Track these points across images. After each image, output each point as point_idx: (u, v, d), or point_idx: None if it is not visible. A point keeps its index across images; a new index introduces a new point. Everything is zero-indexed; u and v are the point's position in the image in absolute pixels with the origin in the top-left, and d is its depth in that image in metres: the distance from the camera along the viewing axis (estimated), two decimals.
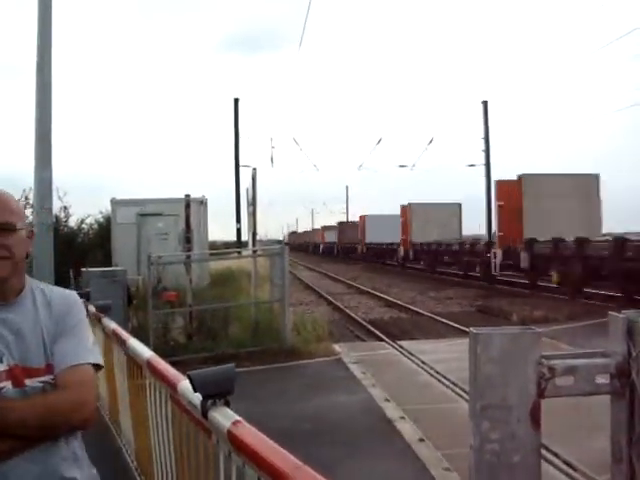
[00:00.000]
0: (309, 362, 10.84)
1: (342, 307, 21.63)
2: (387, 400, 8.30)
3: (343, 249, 62.63)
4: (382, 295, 24.87)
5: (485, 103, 41.76)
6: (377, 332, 15.51)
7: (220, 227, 56.93)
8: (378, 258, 50.02)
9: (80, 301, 2.31)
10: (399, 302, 22.31)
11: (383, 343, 13.71)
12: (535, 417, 1.30)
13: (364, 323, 17.61)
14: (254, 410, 7.17)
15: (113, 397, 6.18)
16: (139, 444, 4.84)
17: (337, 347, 12.26)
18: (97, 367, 2.21)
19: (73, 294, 2.32)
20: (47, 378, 2.08)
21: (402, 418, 7.52)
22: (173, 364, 3.42)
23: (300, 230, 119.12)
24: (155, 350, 8.73)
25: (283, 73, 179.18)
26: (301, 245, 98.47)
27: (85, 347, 2.18)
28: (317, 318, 15.38)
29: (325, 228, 78.54)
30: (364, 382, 9.37)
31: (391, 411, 7.84)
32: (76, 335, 2.17)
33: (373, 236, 49.87)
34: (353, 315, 19.48)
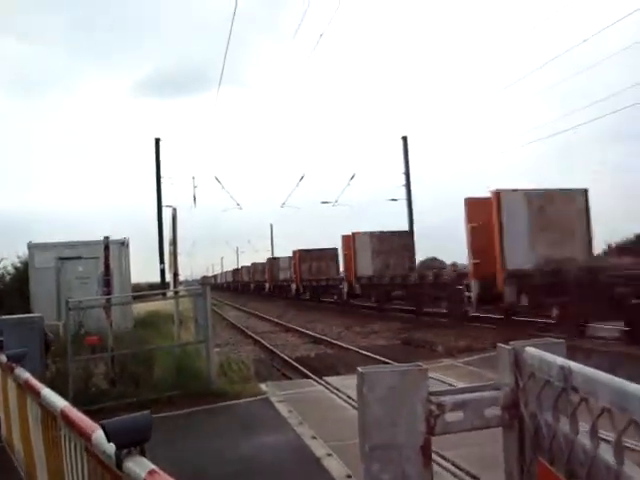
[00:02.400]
0: (235, 403, 10.71)
1: (268, 345, 21.51)
2: (314, 438, 8.26)
3: (276, 287, 59.08)
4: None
5: (405, 139, 42.75)
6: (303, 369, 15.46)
7: (145, 268, 55.88)
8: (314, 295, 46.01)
9: None
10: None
11: (310, 380, 13.67)
12: (426, 454, 1.32)
13: (290, 360, 17.53)
14: (177, 456, 7.06)
15: (28, 453, 5.95)
16: None
17: (264, 386, 12.17)
18: None
19: None
20: None
21: (329, 455, 7.49)
22: (95, 412, 3.33)
23: (227, 269, 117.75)
24: (75, 398, 8.53)
25: (203, 114, 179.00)
26: (228, 284, 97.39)
27: None
28: (243, 358, 15.27)
29: (255, 265, 74.46)
30: (290, 420, 9.31)
31: (318, 448, 7.80)
32: None
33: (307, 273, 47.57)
34: (279, 353, 19.38)
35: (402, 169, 42.05)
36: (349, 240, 36.59)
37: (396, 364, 1.46)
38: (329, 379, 13.20)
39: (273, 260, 63.69)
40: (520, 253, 19.32)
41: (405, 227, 40.12)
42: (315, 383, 13.08)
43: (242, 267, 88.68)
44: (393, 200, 42.67)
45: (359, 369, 1.35)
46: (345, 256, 37.73)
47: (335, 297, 40.14)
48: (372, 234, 36.89)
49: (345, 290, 36.72)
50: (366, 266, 34.86)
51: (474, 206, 21.36)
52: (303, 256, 48.87)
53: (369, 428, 1.31)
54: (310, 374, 14.49)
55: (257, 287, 70.60)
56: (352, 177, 42.17)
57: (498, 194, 19.93)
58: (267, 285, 63.05)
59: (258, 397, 11.14)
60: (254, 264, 75.40)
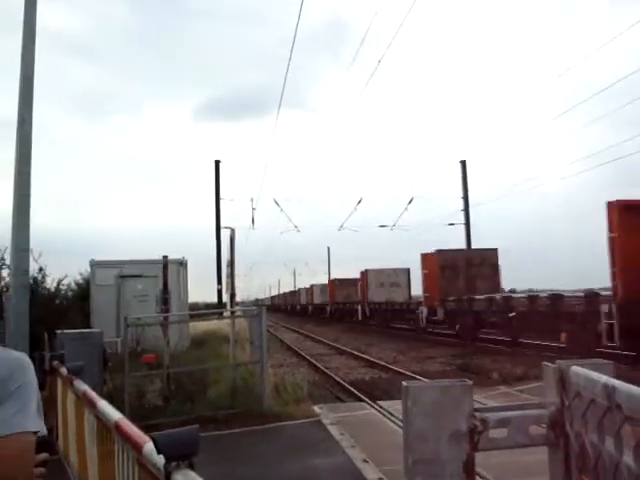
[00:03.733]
0: (288, 424, 10.70)
1: (323, 368, 21.49)
2: (365, 461, 8.19)
3: (337, 310, 55.61)
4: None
5: (463, 163, 42.47)
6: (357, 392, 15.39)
7: (203, 288, 56.46)
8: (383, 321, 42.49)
9: (27, 363, 2.16)
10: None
11: (363, 403, 13.58)
12: (469, 471, 1.31)
13: (344, 384, 17.47)
14: (228, 473, 7.09)
15: (83, 464, 6.06)
16: None
17: (316, 408, 12.14)
18: (38, 435, 2.05)
19: (19, 356, 2.18)
20: None
21: (380, 479, 7.42)
22: (149, 428, 3.37)
23: (283, 290, 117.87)
24: (131, 413, 8.66)
25: (263, 137, 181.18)
26: (285, 306, 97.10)
27: (25, 414, 2.05)
28: (297, 380, 15.29)
29: (314, 287, 70.77)
30: (342, 443, 9.25)
31: (369, 472, 7.74)
32: (16, 400, 2.04)
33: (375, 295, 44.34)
34: (333, 376, 19.34)
35: (461, 193, 41.77)
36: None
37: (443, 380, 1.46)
38: (382, 403, 13.11)
39: (336, 281, 59.35)
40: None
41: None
42: (368, 406, 12.99)
43: (300, 289, 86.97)
44: (451, 225, 42.34)
45: (404, 383, 1.36)
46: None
47: (411, 322, 35.70)
48: (379, 270, 38.08)
49: (424, 315, 32.61)
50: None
51: (425, 258, 32.65)
52: (371, 277, 45.33)
53: (412, 442, 1.31)
54: (363, 397, 14.41)
55: (316, 309, 67.37)
56: (410, 201, 41.88)
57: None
58: (328, 308, 59.30)
59: (311, 419, 11.11)
60: (314, 286, 71.86)
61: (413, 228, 45.10)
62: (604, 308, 17.29)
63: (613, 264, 17.05)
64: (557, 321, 20.64)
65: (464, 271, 31.63)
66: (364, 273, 46.79)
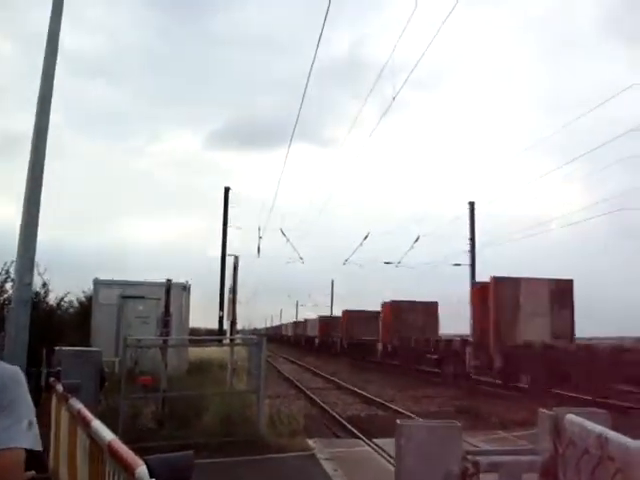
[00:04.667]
0: (282, 456, 10.58)
1: (320, 402, 21.30)
2: None
3: (351, 345, 51.62)
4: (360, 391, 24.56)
5: (472, 204, 42.52)
6: (353, 429, 15.22)
7: (205, 314, 56.26)
8: (359, 353, 46.26)
9: (20, 377, 2.15)
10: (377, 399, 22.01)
11: (359, 440, 13.43)
12: None
13: (340, 419, 17.30)
14: None
15: None
16: None
17: (311, 442, 12.01)
18: (32, 452, 2.04)
19: (12, 370, 2.16)
20: None
21: None
22: (141, 450, 3.33)
23: (285, 321, 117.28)
24: (124, 435, 8.57)
25: (275, 166, 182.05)
26: (288, 337, 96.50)
27: (18, 429, 2.03)
28: (294, 412, 15.15)
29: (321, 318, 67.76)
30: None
31: None
32: (9, 415, 2.02)
33: (355, 332, 47.44)
34: (330, 410, 19.16)
35: (468, 234, 41.79)
36: (386, 307, 36.94)
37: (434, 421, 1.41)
38: (378, 441, 12.95)
39: (351, 313, 53.57)
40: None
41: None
42: (364, 444, 12.84)
43: (307, 320, 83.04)
44: (456, 265, 42.30)
45: (398, 421, 1.33)
46: (382, 320, 37.22)
47: (452, 368, 28.94)
48: (404, 302, 39.05)
49: (380, 350, 35.56)
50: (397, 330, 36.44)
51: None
52: (397, 309, 41.19)
53: (404, 478, 1.28)
54: (359, 434, 14.25)
55: (324, 343, 62.35)
56: (416, 239, 41.85)
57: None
58: (339, 342, 54.71)
59: (305, 452, 10.99)
60: (322, 317, 67.63)
61: (418, 266, 45.00)
62: None
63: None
64: None
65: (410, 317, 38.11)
66: (385, 304, 45.28)
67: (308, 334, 74.37)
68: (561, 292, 25.18)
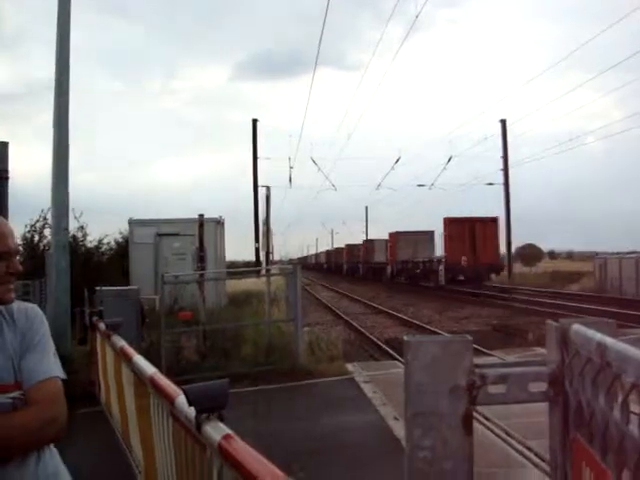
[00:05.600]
0: (321, 381, 10.85)
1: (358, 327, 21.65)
2: (396, 419, 8.30)
3: (369, 269, 58.83)
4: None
5: (503, 122, 41.89)
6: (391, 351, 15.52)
7: (242, 247, 56.86)
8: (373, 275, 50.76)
9: (41, 314, 2.30)
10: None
11: (396, 362, 13.68)
12: (467, 424, 1.36)
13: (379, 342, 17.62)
14: (259, 428, 7.26)
15: (123, 415, 6.26)
16: (147, 462, 4.90)
17: (350, 366, 12.26)
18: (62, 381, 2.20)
19: (33, 308, 2.30)
20: (16, 394, 2.08)
21: None
22: (184, 383, 3.48)
23: (321, 249, 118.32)
24: (167, 369, 8.87)
25: (300, 96, 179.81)
26: (321, 264, 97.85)
27: (50, 361, 2.19)
28: (332, 338, 15.44)
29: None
30: (374, 401, 9.36)
31: (400, 430, 7.84)
32: (40, 350, 2.18)
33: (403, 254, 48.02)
34: (368, 335, 19.49)
35: (501, 153, 41.31)
36: (392, 237, 43.57)
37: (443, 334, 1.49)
38: None
39: (368, 242, 61.71)
40: None
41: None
42: (401, 365, 13.06)
43: (336, 249, 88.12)
44: (490, 184, 41.97)
45: (405, 337, 1.41)
46: (389, 247, 45.46)
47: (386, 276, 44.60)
48: (406, 233, 44.65)
49: (388, 272, 44.09)
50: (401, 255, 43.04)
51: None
52: (399, 238, 47.85)
53: (412, 395, 1.37)
54: (397, 356, 14.51)
55: (350, 269, 69.52)
56: (449, 160, 41.60)
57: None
58: (361, 267, 62.18)
59: (344, 377, 11.23)
60: (348, 246, 74.06)
61: (451, 187, 44.81)
62: None
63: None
64: None
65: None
66: (392, 234, 50.54)
67: (338, 261, 76.85)
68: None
